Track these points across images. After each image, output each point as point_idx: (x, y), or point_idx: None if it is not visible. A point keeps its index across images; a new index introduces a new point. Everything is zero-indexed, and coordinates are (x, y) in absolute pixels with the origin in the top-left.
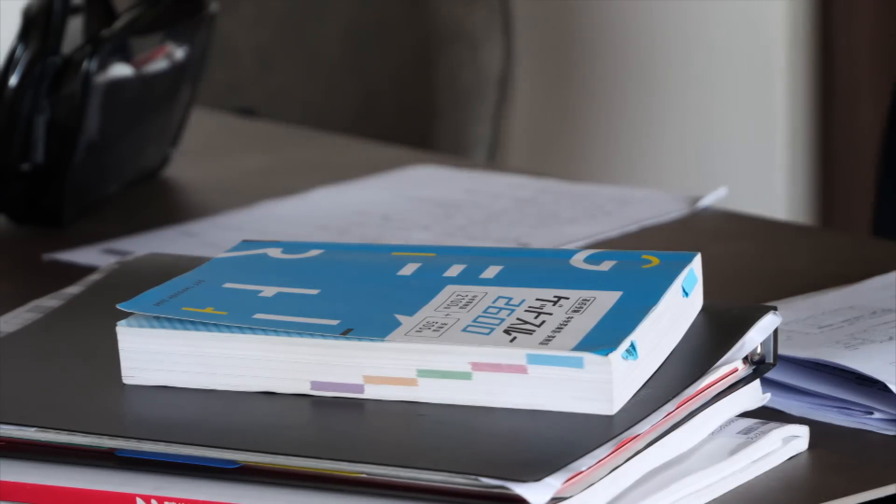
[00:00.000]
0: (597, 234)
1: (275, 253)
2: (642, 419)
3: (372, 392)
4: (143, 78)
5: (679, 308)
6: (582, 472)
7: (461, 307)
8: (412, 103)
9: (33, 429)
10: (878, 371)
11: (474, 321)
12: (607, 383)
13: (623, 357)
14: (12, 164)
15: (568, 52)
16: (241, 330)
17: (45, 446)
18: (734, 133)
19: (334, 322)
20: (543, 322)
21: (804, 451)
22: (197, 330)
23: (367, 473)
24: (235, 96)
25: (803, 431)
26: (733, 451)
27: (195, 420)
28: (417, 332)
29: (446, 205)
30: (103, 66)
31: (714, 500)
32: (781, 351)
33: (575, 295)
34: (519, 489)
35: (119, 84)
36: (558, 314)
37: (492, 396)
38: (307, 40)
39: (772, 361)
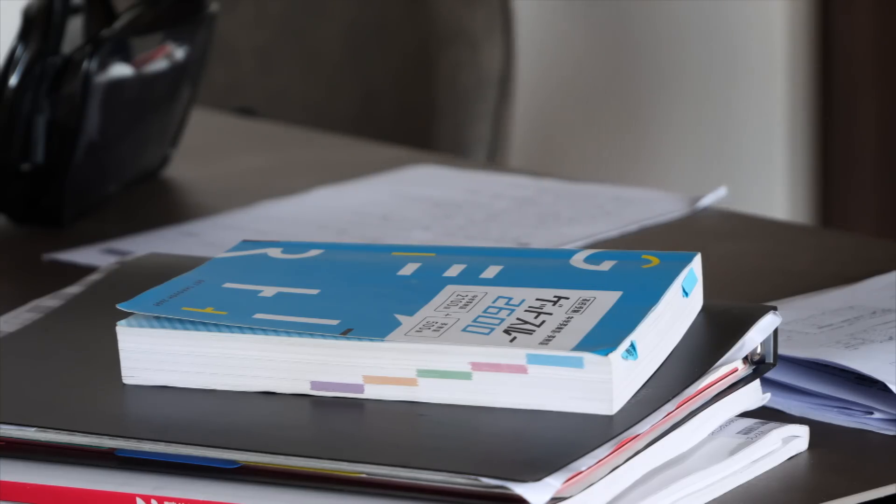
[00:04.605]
0: (597, 234)
1: (275, 253)
2: (642, 419)
3: (372, 392)
4: (143, 78)
5: (679, 308)
6: (582, 472)
7: (461, 307)
8: (412, 103)
9: (33, 429)
10: (878, 371)
11: (474, 321)
12: (607, 383)
13: (623, 357)
14: (12, 164)
15: (568, 52)
16: (241, 330)
17: (45, 446)
18: (734, 133)
19: (334, 322)
20: (543, 322)
21: (804, 451)
22: (197, 330)
23: (367, 473)
24: (235, 96)
25: (803, 431)
26: (733, 451)
27: (195, 420)
28: (417, 332)
29: (446, 205)
30: (103, 66)
31: (714, 500)
32: (781, 351)
33: (575, 295)
34: (519, 489)
35: (119, 84)
36: (558, 314)
37: (492, 396)
38: (307, 40)
39: (772, 361)
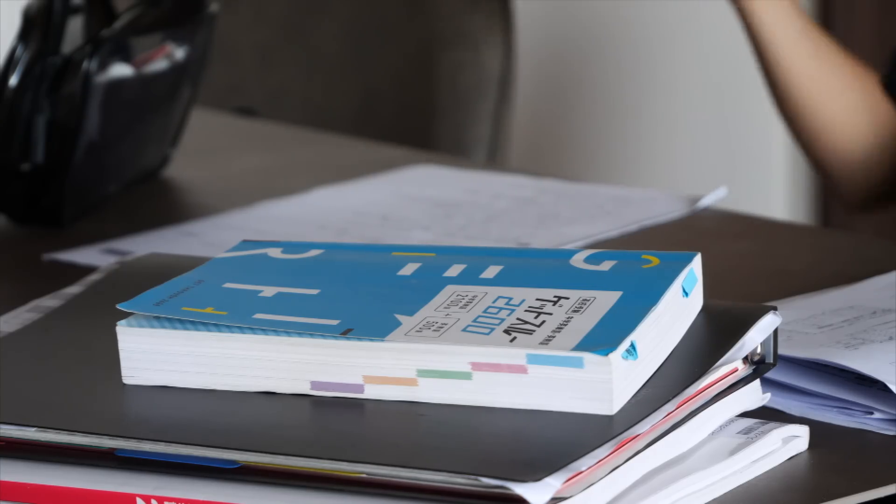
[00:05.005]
0: (597, 234)
1: (275, 253)
2: (642, 419)
3: (372, 392)
4: (143, 78)
5: (679, 308)
6: (582, 472)
7: (461, 307)
8: (412, 103)
9: (33, 429)
10: (878, 371)
11: (474, 321)
12: (607, 383)
13: (623, 357)
14: (12, 164)
15: (568, 53)
16: (241, 330)
17: (45, 446)
18: (734, 133)
19: (334, 322)
20: (543, 322)
21: (804, 451)
22: (197, 330)
23: (367, 473)
24: (235, 96)
25: (803, 431)
26: (733, 451)
27: (195, 420)
28: (417, 332)
29: (446, 205)
30: (103, 66)
31: (714, 500)
32: (781, 351)
33: (575, 295)
34: (519, 489)
35: (119, 84)
36: (558, 314)
37: (492, 396)
38: (307, 40)
39: (772, 361)
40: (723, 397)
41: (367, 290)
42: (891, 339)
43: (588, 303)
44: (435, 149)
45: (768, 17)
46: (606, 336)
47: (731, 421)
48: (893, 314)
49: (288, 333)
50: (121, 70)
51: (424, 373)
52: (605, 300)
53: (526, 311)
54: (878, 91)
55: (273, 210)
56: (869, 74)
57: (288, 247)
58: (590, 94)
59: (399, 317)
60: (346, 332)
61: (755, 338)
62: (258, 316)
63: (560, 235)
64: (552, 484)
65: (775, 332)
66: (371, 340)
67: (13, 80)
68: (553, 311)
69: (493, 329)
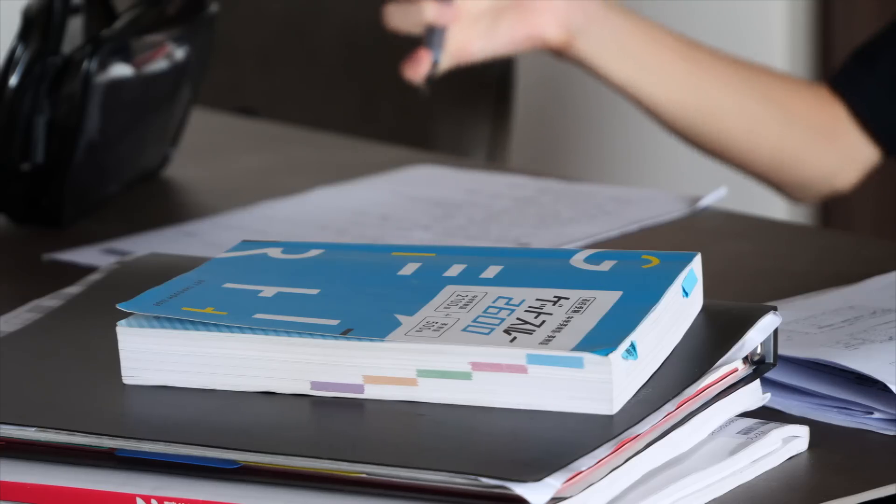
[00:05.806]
0: (597, 234)
1: (275, 253)
2: (642, 419)
3: (372, 392)
4: (143, 78)
5: (679, 308)
6: (582, 472)
7: (461, 307)
8: (412, 103)
9: (33, 429)
10: (878, 371)
11: (474, 321)
12: (607, 383)
13: (623, 357)
14: (12, 164)
15: None
16: (241, 330)
17: (45, 446)
18: None
19: (334, 322)
20: (543, 322)
21: (804, 451)
22: (197, 330)
23: (367, 473)
24: (235, 96)
25: (803, 431)
26: (733, 451)
27: (195, 420)
28: (417, 332)
29: (446, 205)
30: (103, 66)
31: (714, 500)
32: (781, 351)
33: (575, 295)
34: (519, 489)
35: (119, 84)
36: (558, 314)
37: (492, 396)
38: (307, 40)
39: (772, 361)
40: (723, 397)
41: (367, 290)
42: (891, 339)
43: (588, 303)
44: (435, 149)
45: (654, 88)
46: (606, 336)
47: (731, 421)
48: (893, 314)
49: (288, 333)
50: (121, 70)
51: (424, 373)
52: (605, 300)
53: (526, 311)
54: (810, 94)
55: (273, 210)
56: (794, 82)
57: (288, 247)
58: (590, 94)
59: (399, 317)
60: (346, 332)
61: (755, 338)
62: (258, 316)
63: (560, 235)
64: (552, 484)
65: (775, 332)
66: (371, 340)
67: (13, 80)
68: (553, 311)
69: (493, 329)
